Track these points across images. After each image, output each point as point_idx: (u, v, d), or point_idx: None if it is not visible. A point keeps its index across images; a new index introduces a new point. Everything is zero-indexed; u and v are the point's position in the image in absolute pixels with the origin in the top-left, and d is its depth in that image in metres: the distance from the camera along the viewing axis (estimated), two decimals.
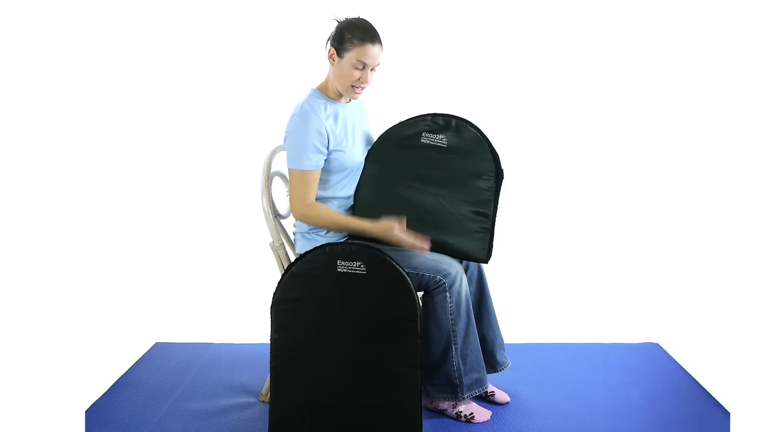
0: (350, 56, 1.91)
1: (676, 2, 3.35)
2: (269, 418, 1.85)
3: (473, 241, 2.00)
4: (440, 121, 2.02)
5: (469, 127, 2.01)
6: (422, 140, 2.02)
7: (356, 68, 1.92)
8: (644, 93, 3.49)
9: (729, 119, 3.02)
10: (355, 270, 1.79)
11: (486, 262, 2.02)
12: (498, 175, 1.99)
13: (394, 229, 1.91)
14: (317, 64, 2.27)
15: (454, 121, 2.01)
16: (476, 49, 3.51)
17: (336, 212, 1.98)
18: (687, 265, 3.23)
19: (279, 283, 1.83)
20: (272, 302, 1.83)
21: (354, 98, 2.01)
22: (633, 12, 3.43)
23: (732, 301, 2.39)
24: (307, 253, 1.82)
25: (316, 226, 1.98)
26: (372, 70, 1.95)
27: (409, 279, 1.80)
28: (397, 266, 1.79)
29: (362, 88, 1.97)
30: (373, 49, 1.91)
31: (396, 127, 2.05)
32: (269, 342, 1.85)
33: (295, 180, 1.93)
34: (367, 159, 2.06)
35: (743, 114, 2.25)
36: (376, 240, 1.99)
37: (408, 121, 2.05)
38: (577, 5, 3.45)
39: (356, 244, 1.81)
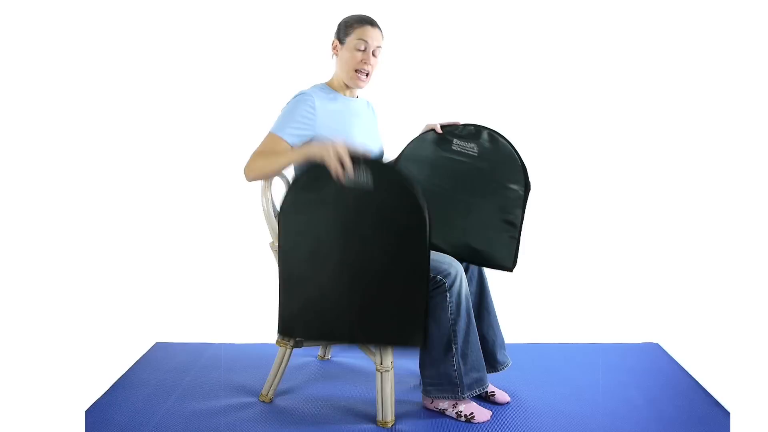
0: (351, 39, 1.99)
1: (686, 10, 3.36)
2: (278, 322, 1.89)
3: (500, 248, 2.04)
4: (471, 130, 2.08)
5: (499, 137, 2.07)
6: (453, 147, 2.08)
7: (358, 49, 1.99)
8: (640, 95, 3.50)
9: (727, 120, 3.02)
10: (362, 182, 1.78)
11: (511, 270, 2.04)
12: (526, 187, 2.04)
13: (333, 144, 1.77)
14: (318, 63, 2.28)
15: (485, 132, 2.07)
16: (482, 50, 3.51)
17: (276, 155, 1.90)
18: (686, 266, 3.23)
19: (286, 193, 1.83)
20: (280, 211, 1.85)
21: (359, 86, 2.04)
22: (647, 17, 3.43)
23: (732, 301, 2.38)
24: (313, 165, 1.80)
25: (262, 174, 1.89)
26: (374, 55, 2.01)
27: (416, 187, 1.77)
28: (403, 175, 1.78)
29: (366, 74, 2.02)
30: (373, 31, 2.00)
31: (428, 134, 2.12)
32: (277, 252, 1.87)
33: (268, 141, 1.94)
34: (398, 161, 2.10)
35: (742, 115, 2.25)
36: None
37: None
38: (585, 10, 3.46)
39: (365, 156, 1.80)
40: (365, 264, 1.82)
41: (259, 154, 1.92)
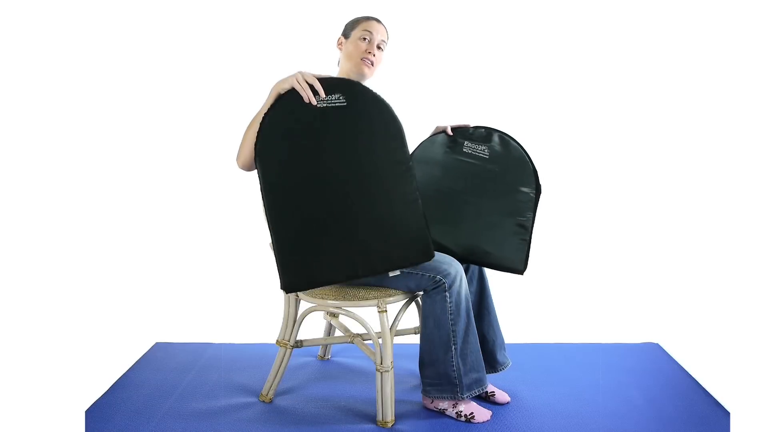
0: (356, 32, 2.05)
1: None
2: (280, 280, 1.83)
3: (510, 251, 2.03)
4: (482, 132, 2.07)
5: (510, 140, 2.06)
6: (464, 150, 2.07)
7: (363, 39, 2.03)
8: (642, 95, 3.50)
9: (727, 120, 3.02)
10: (336, 103, 1.81)
11: (522, 273, 2.05)
12: (537, 190, 2.03)
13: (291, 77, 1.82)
14: (321, 63, 2.28)
15: (496, 134, 2.07)
16: (492, 52, 3.51)
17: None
18: (687, 266, 3.23)
19: (260, 129, 1.80)
20: (256, 150, 1.81)
21: (365, 73, 2.06)
22: (662, 23, 3.43)
23: (732, 301, 2.39)
24: (285, 94, 1.82)
25: (246, 149, 1.85)
26: (379, 48, 2.05)
27: (389, 104, 1.84)
28: (376, 93, 1.85)
29: (371, 63, 2.04)
30: (377, 25, 2.05)
31: (438, 136, 2.11)
32: (264, 204, 1.82)
33: None
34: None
35: (742, 115, 2.25)
36: None
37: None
38: (597, 13, 3.46)
39: (332, 78, 1.84)
40: (353, 183, 1.82)
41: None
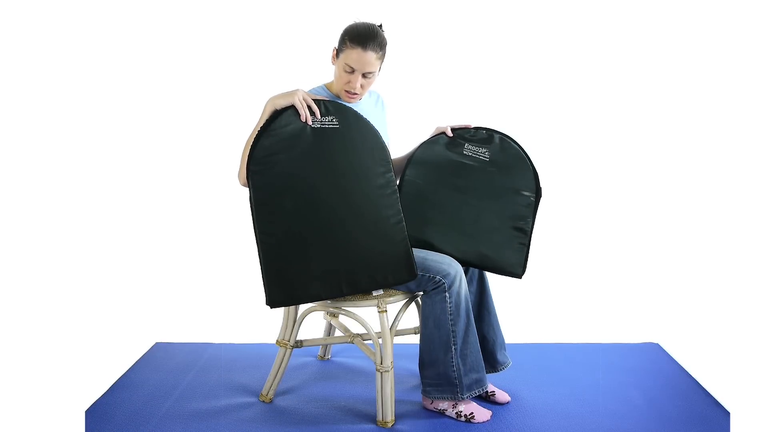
0: (342, 58, 1.93)
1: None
2: (265, 293, 1.87)
3: (509, 255, 2.03)
4: (483, 135, 2.05)
5: (511, 143, 2.05)
6: (464, 152, 2.05)
7: (345, 71, 1.93)
8: (640, 97, 3.50)
9: (728, 120, 3.02)
10: (328, 124, 1.88)
11: (520, 277, 2.04)
12: (537, 193, 2.03)
13: (293, 95, 1.88)
14: (322, 63, 2.28)
15: (497, 136, 2.05)
16: (494, 52, 3.51)
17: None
18: (687, 265, 3.23)
19: (253, 146, 1.85)
20: (247, 167, 1.86)
21: (348, 102, 2.00)
22: (668, 26, 3.43)
23: (732, 301, 2.39)
24: (280, 112, 1.87)
25: (243, 165, 1.90)
26: (365, 77, 1.93)
27: (377, 130, 1.93)
28: (366, 119, 1.91)
29: (356, 95, 1.96)
30: (363, 55, 1.89)
31: (439, 137, 2.09)
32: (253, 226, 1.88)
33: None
34: (408, 164, 2.07)
35: (742, 115, 2.26)
36: None
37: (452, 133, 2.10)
38: (600, 16, 3.46)
39: (328, 100, 1.91)
40: (340, 203, 1.88)
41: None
